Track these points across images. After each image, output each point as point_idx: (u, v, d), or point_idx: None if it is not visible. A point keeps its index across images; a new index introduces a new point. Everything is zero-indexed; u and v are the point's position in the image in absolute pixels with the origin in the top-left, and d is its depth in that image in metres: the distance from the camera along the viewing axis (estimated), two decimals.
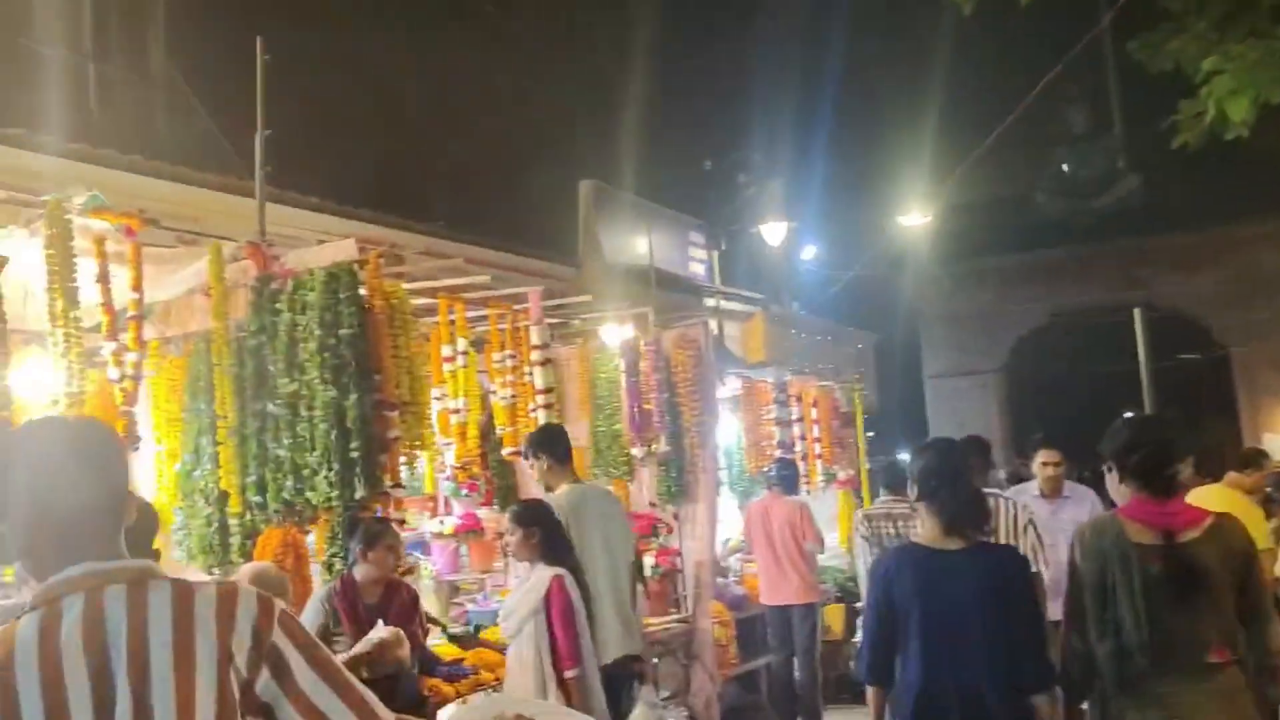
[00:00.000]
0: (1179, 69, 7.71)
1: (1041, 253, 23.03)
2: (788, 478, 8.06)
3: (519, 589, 5.04)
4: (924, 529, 3.66)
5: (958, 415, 23.99)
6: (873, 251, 24.57)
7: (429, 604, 6.90)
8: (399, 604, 4.82)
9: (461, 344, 6.07)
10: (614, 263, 11.74)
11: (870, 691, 3.68)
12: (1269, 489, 7.48)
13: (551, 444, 5.62)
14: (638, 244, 12.62)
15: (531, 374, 6.91)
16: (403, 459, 4.91)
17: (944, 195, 25.55)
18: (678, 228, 13.80)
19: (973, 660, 3.45)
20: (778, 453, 8.58)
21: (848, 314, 20.94)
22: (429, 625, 5.22)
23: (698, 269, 14.16)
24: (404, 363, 4.78)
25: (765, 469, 8.38)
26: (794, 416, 9.22)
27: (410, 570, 7.16)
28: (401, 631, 4.46)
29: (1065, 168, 23.80)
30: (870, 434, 26.69)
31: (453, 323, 6.12)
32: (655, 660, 7.32)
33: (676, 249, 13.76)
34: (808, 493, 9.51)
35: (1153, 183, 22.44)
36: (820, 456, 9.90)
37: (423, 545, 7.59)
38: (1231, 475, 6.70)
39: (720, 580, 8.65)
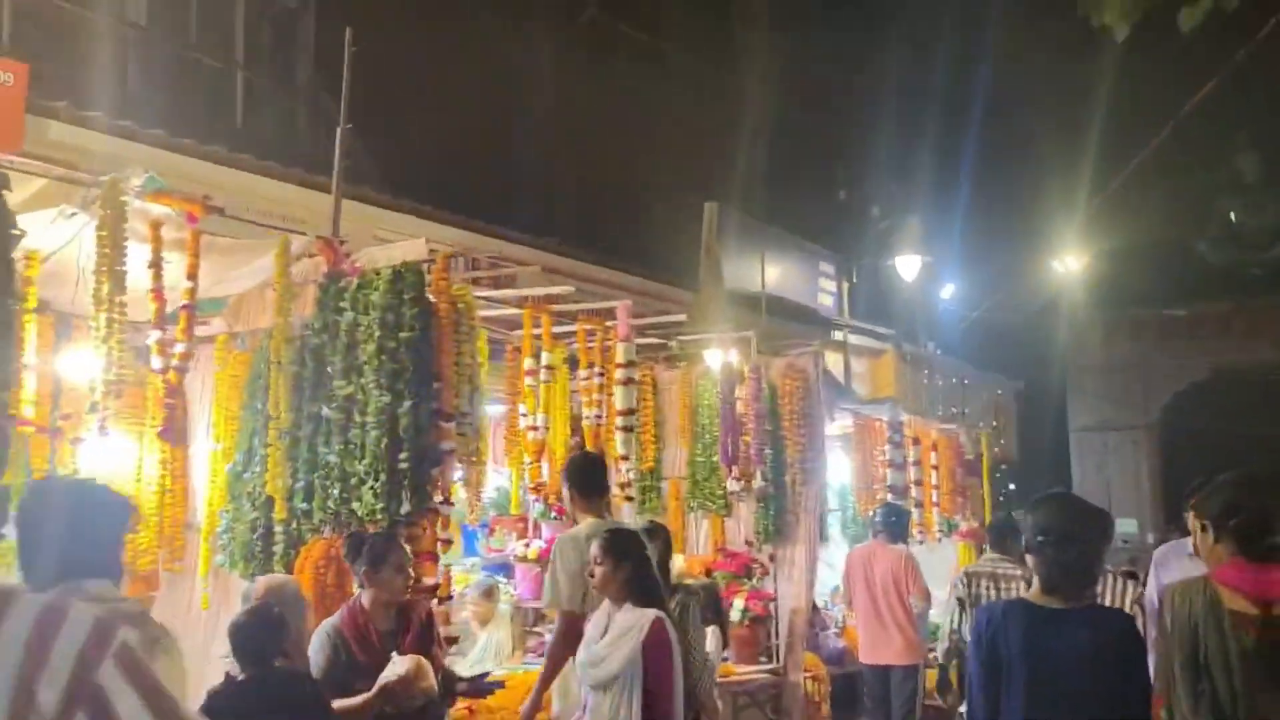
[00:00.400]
0: None
1: (1204, 304, 21.56)
2: (895, 524, 7.32)
3: (612, 631, 4.27)
4: (1034, 586, 3.49)
5: (1105, 471, 22.59)
6: (1018, 293, 23.45)
7: (502, 630, 6.52)
8: (415, 627, 4.32)
9: (546, 358, 5.66)
10: (735, 289, 11.25)
11: None
12: None
13: (577, 472, 5.04)
14: (761, 269, 12.12)
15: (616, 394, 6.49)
16: (460, 474, 4.51)
17: (1097, 238, 24.31)
18: (807, 257, 13.22)
19: None
20: (888, 496, 7.86)
21: (989, 358, 19.91)
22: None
23: (826, 301, 13.55)
24: (466, 371, 4.39)
25: (871, 513, 7.68)
26: (910, 459, 8.48)
27: (490, 592, 6.80)
28: (423, 660, 4.00)
29: (1233, 216, 22.26)
30: (1011, 486, 25.51)
31: (538, 336, 5.73)
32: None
33: (805, 279, 13.19)
34: (920, 542, 8.77)
35: None
36: (938, 505, 9.12)
37: (507, 568, 7.22)
38: None
39: (821, 631, 8.00)
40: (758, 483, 7.17)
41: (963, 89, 15.94)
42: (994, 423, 19.20)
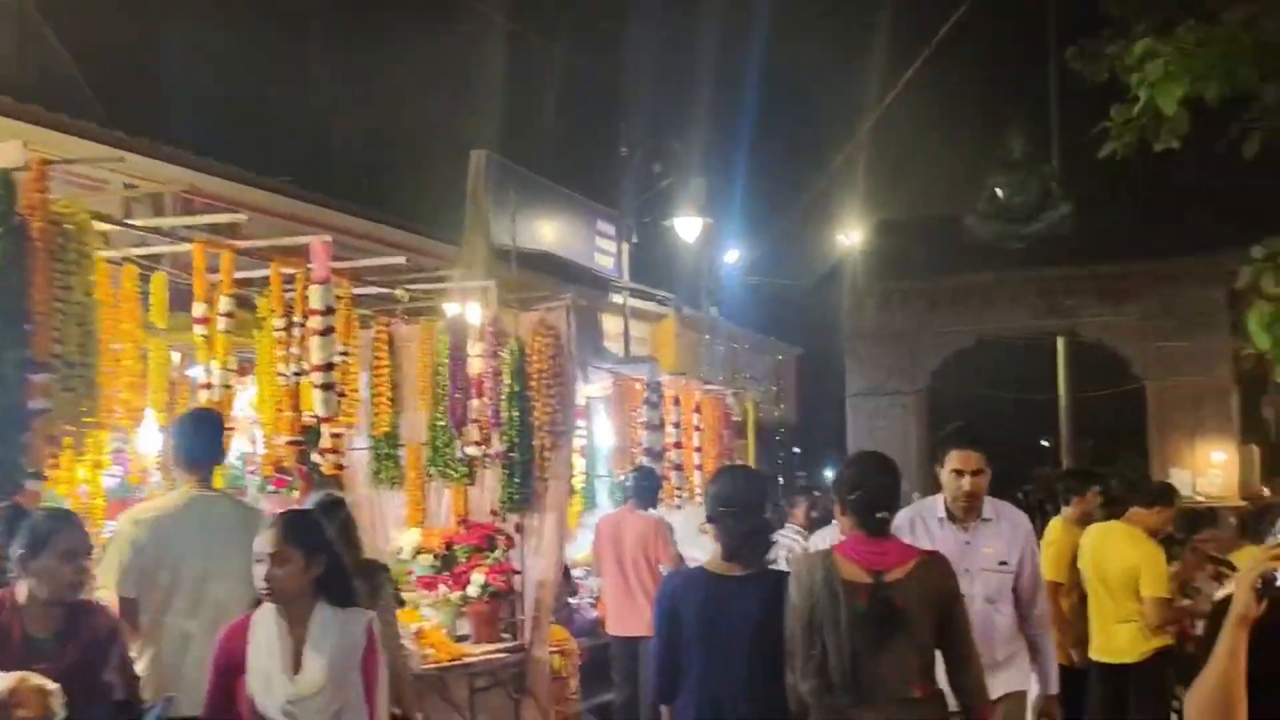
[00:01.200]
0: (1115, 80, 6.75)
1: (970, 276, 22.12)
2: (645, 489, 6.68)
3: (313, 652, 3.18)
4: (715, 554, 3.57)
5: (876, 435, 22.95)
6: (801, 261, 23.54)
7: None
8: (87, 638, 3.30)
9: (225, 304, 4.66)
10: (505, 246, 10.39)
11: (663, 712, 3.61)
12: (1173, 530, 6.31)
13: (177, 434, 4.09)
14: (535, 228, 11.32)
15: (347, 350, 5.57)
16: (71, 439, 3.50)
17: (876, 210, 24.66)
18: (585, 215, 12.49)
19: (741, 688, 3.40)
20: (643, 460, 7.23)
21: (771, 324, 19.80)
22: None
23: (605, 261, 12.87)
24: (74, 310, 3.38)
25: (622, 478, 7.01)
26: (672, 421, 7.88)
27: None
28: (29, 680, 2.96)
29: (999, 192, 22.91)
30: (796, 450, 25.86)
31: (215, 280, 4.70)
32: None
33: (582, 238, 12.46)
34: (678, 507, 8.23)
35: (1084, 213, 21.68)
36: (701, 468, 8.57)
37: None
38: (1136, 511, 5.59)
39: (572, 600, 7.31)
40: (496, 447, 6.37)
41: (752, 53, 15.51)
42: (773, 387, 19.13)
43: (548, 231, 11.55)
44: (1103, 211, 21.10)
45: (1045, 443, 36.65)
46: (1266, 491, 20.87)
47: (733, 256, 16.25)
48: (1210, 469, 20.13)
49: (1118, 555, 5.26)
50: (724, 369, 14.54)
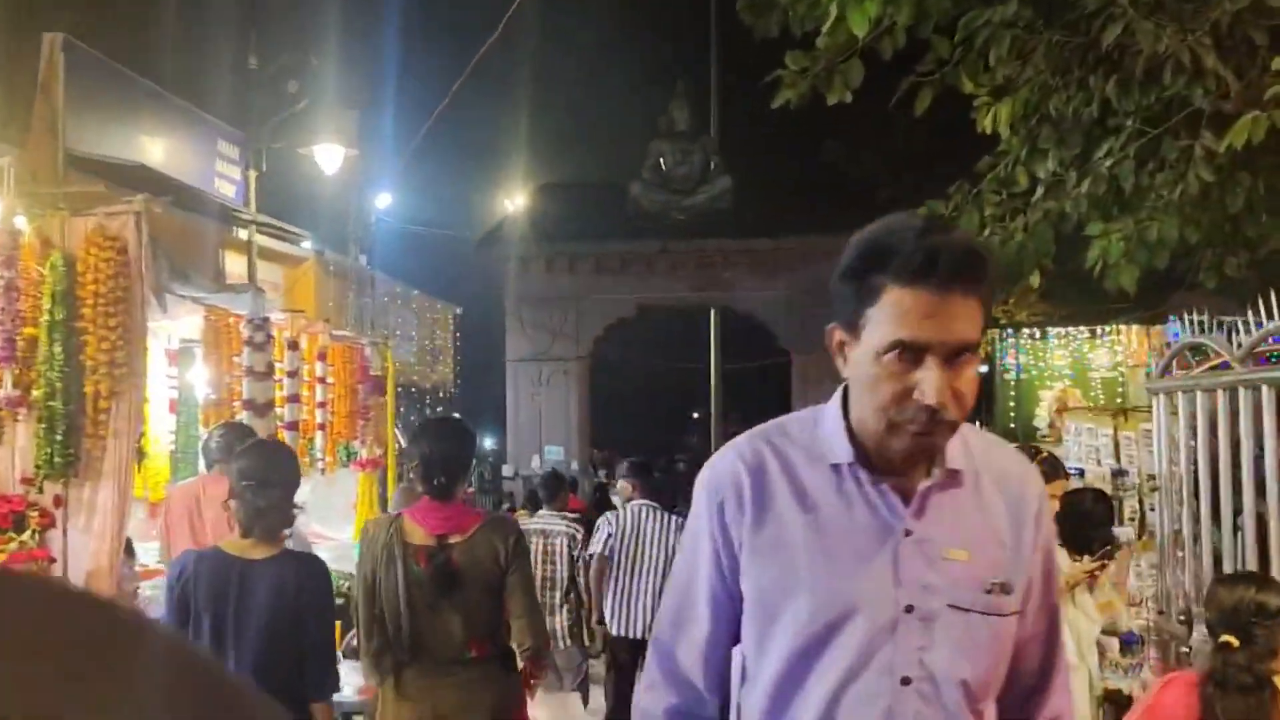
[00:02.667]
0: (788, 32, 6.24)
1: (634, 244, 21.95)
2: (223, 449, 5.20)
3: None
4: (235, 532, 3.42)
5: (537, 401, 22.38)
6: (465, 216, 22.33)
7: None
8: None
9: None
10: (86, 153, 8.34)
11: None
12: None
13: None
14: (135, 140, 9.30)
15: None
16: None
17: (544, 172, 23.93)
18: (201, 131, 10.53)
19: (255, 676, 3.12)
20: (243, 416, 5.71)
21: (429, 280, 18.39)
22: None
23: (227, 189, 10.95)
24: None
25: (205, 437, 5.50)
26: (286, 370, 6.39)
27: None
28: None
29: (663, 162, 22.86)
30: (456, 415, 24.67)
31: None
32: None
33: (197, 157, 10.50)
34: (322, 472, 6.82)
35: (742, 187, 22.09)
36: (325, 427, 7.14)
37: None
38: None
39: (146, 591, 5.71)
40: (37, 393, 4.69)
41: None
42: (428, 344, 17.79)
43: (153, 147, 9.55)
44: (759, 187, 21.59)
45: (696, 415, 38.09)
46: None
47: (385, 201, 14.66)
48: None
49: None
50: (375, 323, 13.01)
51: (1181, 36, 4.10)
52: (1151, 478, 5.58)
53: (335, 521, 7.69)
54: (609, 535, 6.18)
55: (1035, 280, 6.18)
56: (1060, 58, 4.91)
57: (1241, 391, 2.74)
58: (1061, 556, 2.99)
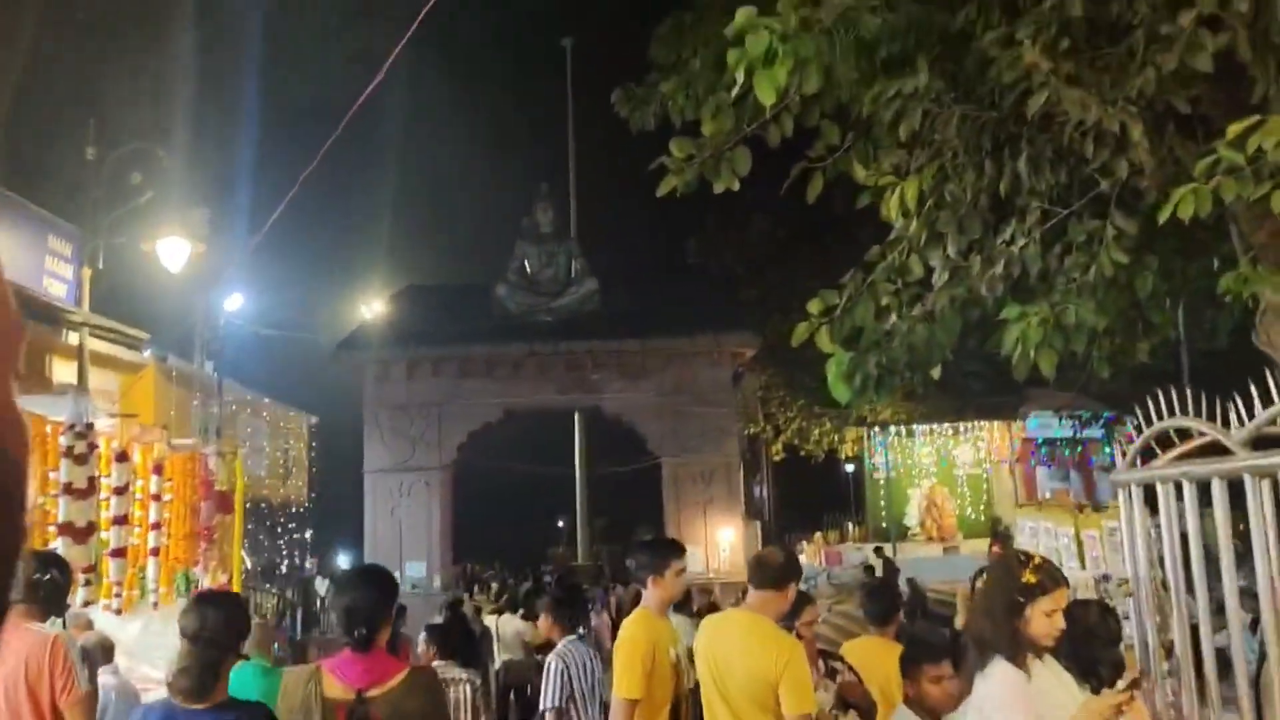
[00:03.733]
0: (668, 123, 6.05)
1: (500, 347, 21.36)
2: (50, 586, 4.21)
3: None
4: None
5: (398, 514, 21.22)
6: (322, 320, 21.35)
7: None
8: None
9: None
10: None
11: None
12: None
13: None
14: None
15: None
16: None
17: (406, 274, 23.27)
18: (32, 225, 9.60)
19: None
20: (57, 543, 4.77)
21: (282, 387, 17.34)
22: None
23: (58, 288, 9.97)
24: None
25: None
26: (115, 484, 5.48)
27: None
28: None
29: (528, 264, 22.54)
30: (309, 533, 23.19)
31: None
32: None
33: (27, 253, 9.55)
34: (116, 611, 5.81)
35: (608, 290, 21.90)
36: (159, 552, 6.18)
37: None
38: (761, 594, 4.26)
39: None
40: None
41: (270, 67, 13.33)
42: (280, 455, 16.67)
43: None
44: (625, 288, 21.45)
45: (561, 522, 37.13)
46: None
47: (234, 302, 13.73)
48: (720, 545, 20.64)
49: (745, 656, 3.60)
50: (221, 434, 11.99)
51: (1107, 106, 3.86)
52: (1124, 581, 5.25)
53: (160, 661, 6.71)
54: (561, 685, 5.11)
55: (936, 373, 5.87)
56: (971, 134, 4.66)
57: (1248, 480, 2.41)
58: (1069, 684, 2.53)
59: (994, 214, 5.21)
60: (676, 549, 3.82)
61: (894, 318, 5.62)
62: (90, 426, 4.96)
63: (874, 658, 3.76)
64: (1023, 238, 4.99)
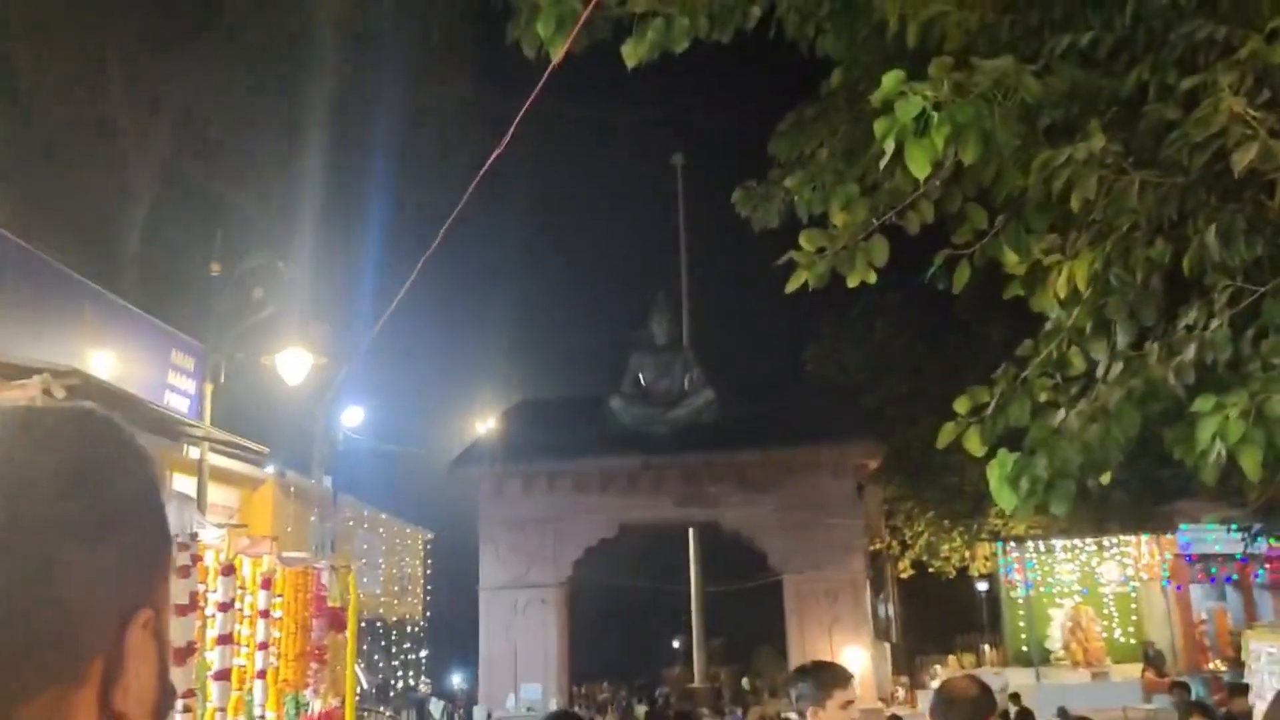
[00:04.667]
0: (791, 220, 5.90)
1: (614, 460, 21.02)
2: None
3: None
4: None
5: (513, 633, 20.77)
6: (437, 435, 21.41)
7: None
8: None
9: None
10: (21, 361, 7.44)
11: None
12: None
13: None
14: (75, 346, 8.47)
15: None
16: None
17: (515, 391, 23.32)
18: (155, 339, 9.73)
19: None
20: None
21: (399, 503, 17.28)
22: None
23: (179, 403, 10.03)
24: None
25: None
26: (220, 600, 5.21)
27: None
28: None
29: (642, 377, 22.35)
30: (424, 653, 22.86)
31: None
32: None
33: (150, 368, 9.65)
34: None
35: (725, 399, 21.51)
36: (266, 674, 5.88)
37: None
38: None
39: None
40: None
41: (393, 189, 13.59)
42: (395, 572, 16.47)
43: (97, 354, 8.68)
44: (742, 398, 21.02)
45: (676, 643, 35.94)
46: (901, 693, 20.68)
47: (353, 417, 13.75)
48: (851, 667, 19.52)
49: None
50: (337, 549, 11.83)
51: None
52: None
53: None
54: None
55: (1107, 478, 5.25)
56: (1153, 204, 4.15)
57: None
58: None
59: (1168, 298, 4.67)
60: (842, 676, 3.29)
61: (1062, 414, 5.03)
62: (194, 537, 4.73)
63: None
64: (1211, 320, 4.41)
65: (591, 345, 22.99)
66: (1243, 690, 8.27)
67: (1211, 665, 17.70)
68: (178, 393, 9.90)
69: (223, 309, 10.22)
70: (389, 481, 16.08)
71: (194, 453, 10.14)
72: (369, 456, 15.35)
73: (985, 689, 2.94)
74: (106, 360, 8.89)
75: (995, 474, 5.11)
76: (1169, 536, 18.01)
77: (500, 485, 21.28)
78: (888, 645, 21.34)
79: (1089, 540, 19.24)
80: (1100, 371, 4.89)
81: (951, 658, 21.34)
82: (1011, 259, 5.10)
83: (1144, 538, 18.72)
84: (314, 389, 11.79)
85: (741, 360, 22.63)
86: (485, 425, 21.60)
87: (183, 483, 10.26)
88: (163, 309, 9.73)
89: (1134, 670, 17.14)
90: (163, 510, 0.73)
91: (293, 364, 10.22)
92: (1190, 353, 4.41)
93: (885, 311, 22.44)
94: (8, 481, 0.64)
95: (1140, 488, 18.73)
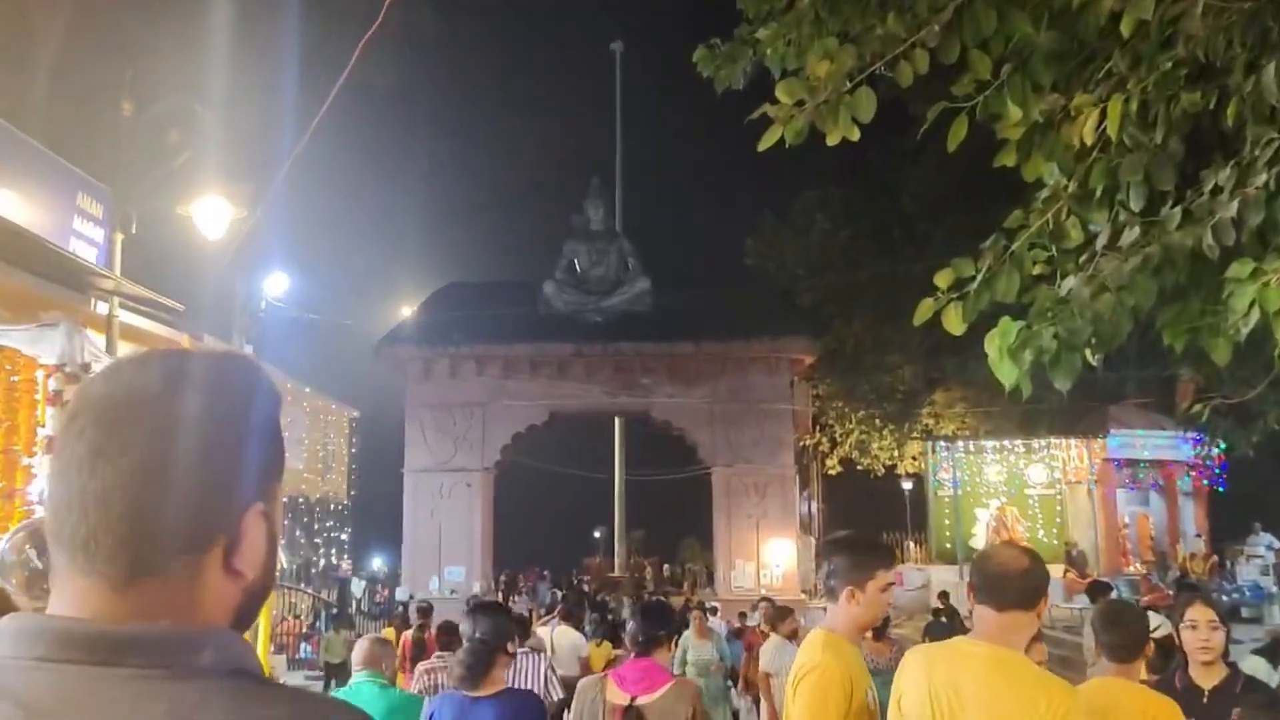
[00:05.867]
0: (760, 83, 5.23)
1: (546, 346, 20.52)
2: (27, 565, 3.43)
3: None
4: None
5: (438, 515, 20.46)
6: (361, 312, 20.69)
7: None
8: None
9: None
10: None
11: None
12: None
13: None
14: None
15: None
16: None
17: (447, 271, 22.59)
18: (59, 180, 8.86)
19: None
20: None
21: (323, 378, 16.60)
22: None
23: (86, 250, 9.23)
24: None
25: None
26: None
27: None
28: None
29: (577, 262, 21.72)
30: (347, 532, 22.45)
31: None
32: None
33: (53, 209, 8.82)
34: None
35: (660, 290, 21.05)
36: None
37: None
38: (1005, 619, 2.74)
39: None
40: None
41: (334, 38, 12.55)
42: (319, 450, 15.89)
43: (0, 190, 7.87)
44: (678, 291, 20.57)
45: (598, 533, 36.13)
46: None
47: (277, 285, 12.96)
48: (773, 562, 19.61)
49: (1001, 708, 2.35)
50: None
51: None
52: None
53: None
54: None
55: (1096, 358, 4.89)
56: (1210, 33, 3.73)
57: None
58: None
59: (1192, 160, 4.28)
60: (885, 556, 2.88)
61: (1071, 282, 4.64)
62: (86, 368, 4.13)
63: (1125, 707, 2.72)
64: (1252, 179, 4.01)
65: (525, 229, 22.29)
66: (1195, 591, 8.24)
67: (1131, 568, 18.16)
68: (85, 240, 9.09)
69: (134, 153, 9.35)
70: (314, 356, 15.41)
71: (102, 308, 9.36)
72: (294, 328, 14.63)
73: (1038, 558, 2.55)
74: (7, 199, 8.06)
75: (995, 345, 4.70)
76: (1100, 440, 18.20)
77: (428, 367, 20.80)
78: (813, 540, 21.52)
79: (1018, 442, 19.42)
80: (1102, 241, 4.52)
81: None
82: (1014, 114, 4.64)
83: (1073, 441, 18.91)
84: (235, 248, 10.99)
85: (678, 251, 22.19)
86: (415, 305, 20.92)
87: (92, 336, 9.50)
88: (71, 151, 8.84)
89: (1056, 571, 17.26)
90: (279, 432, 0.97)
91: (211, 215, 9.43)
92: (1233, 210, 4.01)
93: (828, 206, 22.05)
94: (174, 410, 0.87)
95: (1072, 392, 18.87)
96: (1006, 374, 4.66)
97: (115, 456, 0.83)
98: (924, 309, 4.85)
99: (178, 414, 0.86)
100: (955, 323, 4.71)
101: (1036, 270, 4.78)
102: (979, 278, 4.88)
